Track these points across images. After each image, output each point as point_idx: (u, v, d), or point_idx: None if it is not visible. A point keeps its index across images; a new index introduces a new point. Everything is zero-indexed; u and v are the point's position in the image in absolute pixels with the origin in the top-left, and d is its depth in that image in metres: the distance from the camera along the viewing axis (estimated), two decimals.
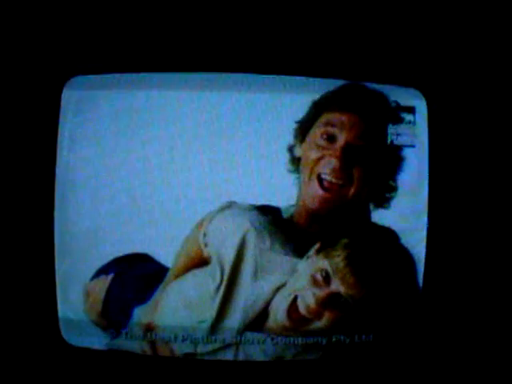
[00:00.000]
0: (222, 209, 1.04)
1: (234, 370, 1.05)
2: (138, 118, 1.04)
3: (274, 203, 1.05)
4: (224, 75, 1.04)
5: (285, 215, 1.06)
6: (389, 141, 1.05)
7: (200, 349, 1.04)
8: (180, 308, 1.04)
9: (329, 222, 1.04)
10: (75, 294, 1.05)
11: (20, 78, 1.04)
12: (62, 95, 1.03)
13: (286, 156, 1.05)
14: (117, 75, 1.05)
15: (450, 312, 1.07)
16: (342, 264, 0.99)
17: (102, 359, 1.05)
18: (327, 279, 0.99)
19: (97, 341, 1.05)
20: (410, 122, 1.05)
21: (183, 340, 1.04)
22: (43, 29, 1.04)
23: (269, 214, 1.05)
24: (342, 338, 1.04)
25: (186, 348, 1.04)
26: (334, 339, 1.03)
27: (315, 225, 1.05)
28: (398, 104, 1.05)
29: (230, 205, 1.04)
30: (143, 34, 1.05)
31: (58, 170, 1.03)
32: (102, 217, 1.04)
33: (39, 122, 1.03)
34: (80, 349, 1.04)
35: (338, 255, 1.00)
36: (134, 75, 1.04)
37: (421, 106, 1.06)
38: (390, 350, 1.06)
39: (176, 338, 1.04)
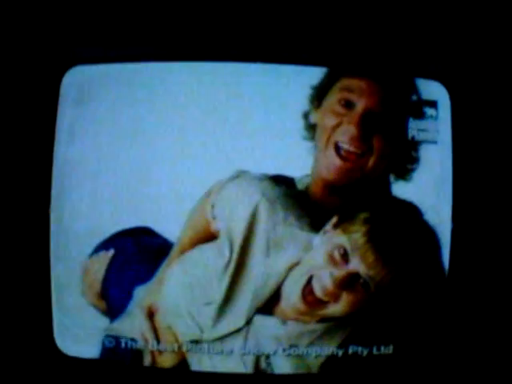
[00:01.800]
0: (232, 178, 0.99)
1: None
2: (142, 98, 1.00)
3: (287, 173, 1.00)
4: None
5: (299, 186, 1.01)
6: (410, 136, 1.01)
7: (206, 334, 0.97)
8: (185, 288, 0.98)
9: (346, 195, 0.99)
10: (71, 297, 0.99)
11: (17, 67, 1.00)
12: (61, 85, 0.99)
13: (301, 122, 1.00)
14: (118, 65, 1.02)
15: (480, 303, 1.01)
16: (361, 240, 0.93)
17: (98, 369, 1.00)
18: (345, 257, 0.93)
19: (92, 350, 0.99)
20: (432, 117, 1.02)
21: (188, 324, 0.97)
22: (42, 16, 1.01)
23: (282, 185, 1.00)
24: (358, 349, 0.98)
25: (191, 333, 0.97)
26: (350, 350, 0.98)
27: (332, 197, 1.00)
28: (419, 97, 1.02)
29: (241, 174, 0.99)
30: (145, 22, 1.02)
31: (56, 157, 0.98)
32: (102, 197, 0.99)
33: (37, 112, 0.99)
34: (75, 358, 0.99)
35: (357, 231, 0.94)
36: (136, 64, 1.01)
37: (444, 99, 1.02)
38: (411, 362, 1.00)
39: (180, 321, 0.97)
